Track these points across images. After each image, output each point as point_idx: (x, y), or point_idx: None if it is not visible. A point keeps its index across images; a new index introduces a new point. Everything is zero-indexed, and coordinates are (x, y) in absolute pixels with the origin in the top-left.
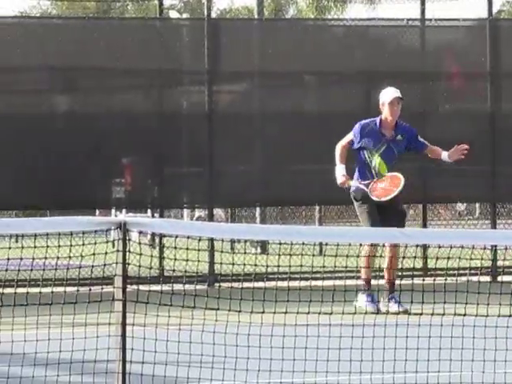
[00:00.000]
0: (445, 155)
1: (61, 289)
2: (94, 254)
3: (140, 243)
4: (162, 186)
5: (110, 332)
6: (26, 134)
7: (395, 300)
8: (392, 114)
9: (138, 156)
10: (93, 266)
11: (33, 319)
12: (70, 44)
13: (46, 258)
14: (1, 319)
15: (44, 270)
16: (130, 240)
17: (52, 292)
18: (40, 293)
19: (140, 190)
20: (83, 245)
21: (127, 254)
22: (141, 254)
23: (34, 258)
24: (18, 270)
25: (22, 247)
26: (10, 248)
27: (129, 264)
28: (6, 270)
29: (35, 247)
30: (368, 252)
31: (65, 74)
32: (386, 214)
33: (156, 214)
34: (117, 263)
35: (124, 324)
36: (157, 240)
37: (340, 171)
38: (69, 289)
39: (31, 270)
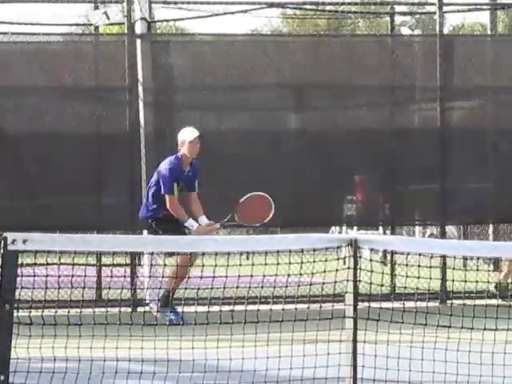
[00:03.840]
0: (202, 219)
1: (291, 306)
2: (324, 272)
3: (371, 260)
4: (394, 202)
5: (341, 349)
6: (258, 152)
7: None
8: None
9: (370, 173)
10: (323, 283)
11: (263, 336)
12: (301, 61)
13: (276, 275)
14: (232, 336)
15: (274, 287)
16: (361, 257)
17: (283, 309)
18: (270, 310)
19: (371, 207)
20: (314, 262)
21: (358, 271)
22: (372, 272)
23: (264, 275)
24: (249, 287)
25: (253, 264)
26: (240, 265)
27: (360, 281)
28: (237, 288)
29: (266, 264)
30: None
31: (296, 92)
32: None
33: (387, 231)
34: (348, 280)
35: (355, 341)
36: (388, 257)
37: None
38: (299, 306)
39: (262, 287)
